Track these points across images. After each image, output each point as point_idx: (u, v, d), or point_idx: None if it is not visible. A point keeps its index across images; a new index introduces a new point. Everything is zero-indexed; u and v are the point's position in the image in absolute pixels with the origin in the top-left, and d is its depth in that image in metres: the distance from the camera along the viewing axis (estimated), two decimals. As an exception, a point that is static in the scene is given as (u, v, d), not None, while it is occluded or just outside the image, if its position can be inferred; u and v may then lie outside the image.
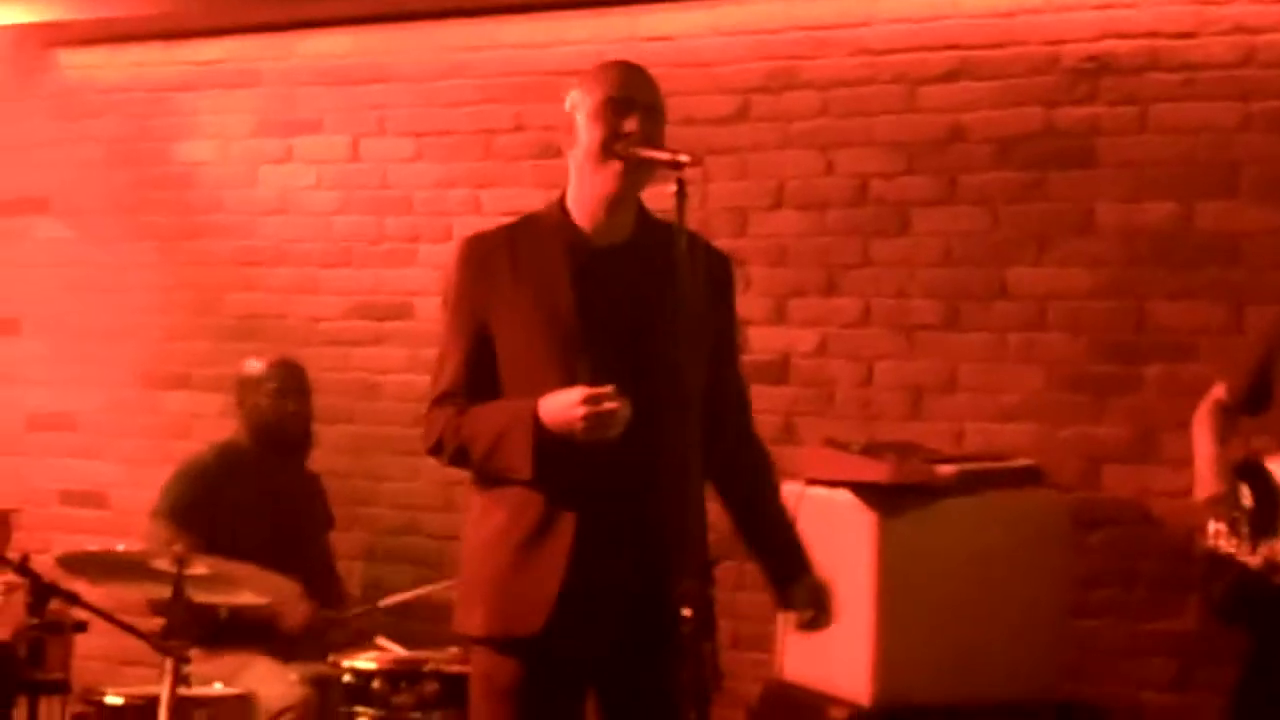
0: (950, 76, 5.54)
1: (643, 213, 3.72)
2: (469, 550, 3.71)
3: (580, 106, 3.66)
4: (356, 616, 5.72)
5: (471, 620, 3.67)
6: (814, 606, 3.78)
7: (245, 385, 5.84)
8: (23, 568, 4.18)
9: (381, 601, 5.67)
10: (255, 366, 5.85)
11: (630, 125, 3.60)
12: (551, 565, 3.57)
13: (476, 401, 3.64)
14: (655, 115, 3.66)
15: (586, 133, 3.63)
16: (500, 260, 3.67)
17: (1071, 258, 5.38)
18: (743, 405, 3.88)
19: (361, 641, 5.47)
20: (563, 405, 3.47)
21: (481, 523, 3.68)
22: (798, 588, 3.77)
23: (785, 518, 3.85)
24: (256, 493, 5.69)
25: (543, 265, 3.65)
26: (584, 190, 3.67)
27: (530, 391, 3.57)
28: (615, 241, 3.68)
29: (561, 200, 3.72)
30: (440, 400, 3.69)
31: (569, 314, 3.60)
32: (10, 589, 4.39)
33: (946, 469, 4.85)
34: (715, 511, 3.57)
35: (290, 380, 5.84)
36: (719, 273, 3.74)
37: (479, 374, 3.66)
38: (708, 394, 3.49)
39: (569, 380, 3.54)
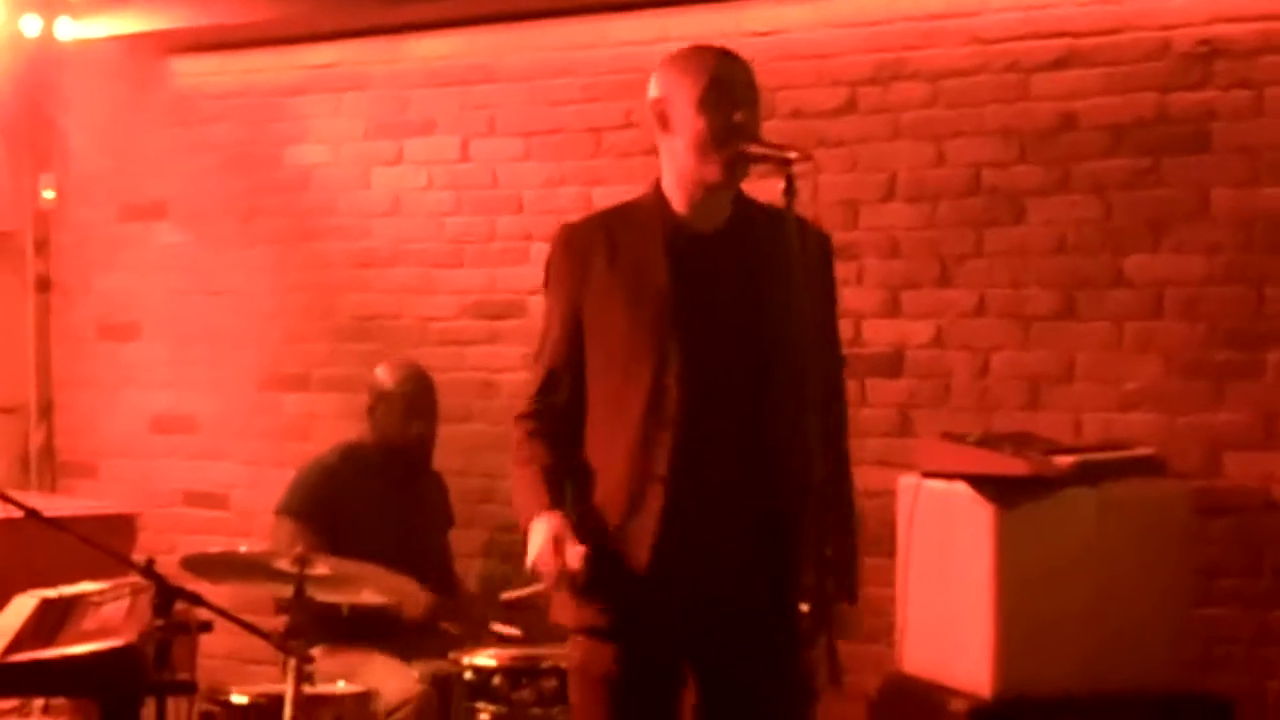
0: (1061, 64, 5.49)
1: (740, 196, 3.70)
2: None
3: (677, 94, 3.61)
4: (474, 607, 5.77)
5: (566, 611, 3.68)
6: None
7: (376, 394, 5.87)
8: (148, 570, 4.23)
9: (501, 595, 5.69)
10: (388, 378, 5.88)
11: (739, 117, 3.56)
12: (638, 557, 3.57)
13: (560, 402, 3.68)
14: (756, 104, 3.63)
15: (689, 122, 3.59)
16: (596, 247, 3.67)
17: (1188, 244, 5.32)
18: (838, 399, 3.80)
19: (479, 632, 5.51)
20: (534, 543, 3.55)
21: (575, 511, 3.68)
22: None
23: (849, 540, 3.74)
24: (379, 493, 5.74)
25: (640, 251, 3.64)
26: (682, 177, 3.65)
27: (622, 378, 3.60)
28: (713, 227, 3.67)
29: (657, 186, 3.71)
30: (523, 412, 3.75)
31: (663, 297, 3.59)
32: (136, 591, 4.44)
33: (1065, 460, 4.81)
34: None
35: (419, 401, 5.86)
36: (820, 252, 3.65)
37: (565, 372, 3.70)
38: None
39: (661, 365, 3.56)
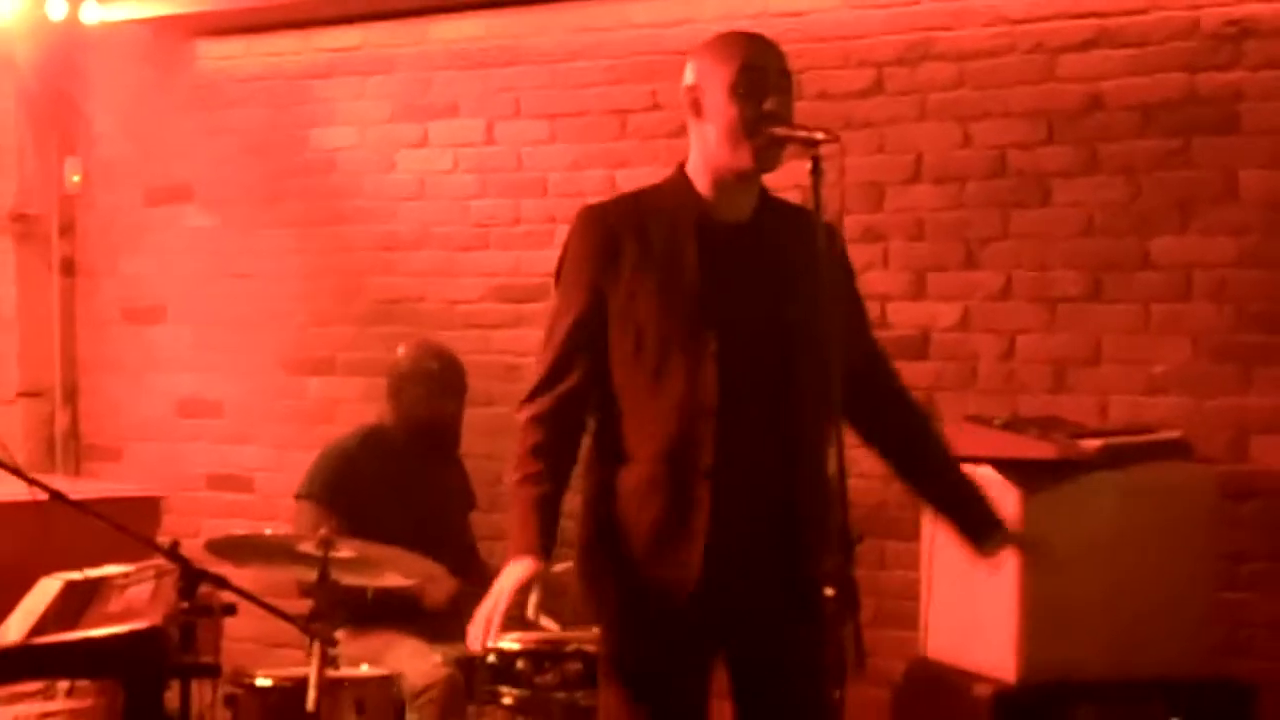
0: (1089, 45, 5.46)
1: (764, 190, 3.70)
2: (594, 532, 3.69)
3: (711, 81, 3.61)
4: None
5: (607, 605, 3.68)
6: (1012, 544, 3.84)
7: (402, 376, 5.83)
8: (173, 553, 4.24)
9: None
10: (407, 358, 5.85)
11: (770, 104, 3.56)
12: (689, 551, 3.56)
13: (570, 388, 3.62)
14: (789, 91, 3.62)
15: (721, 108, 3.58)
16: (627, 231, 3.64)
17: (1215, 226, 5.29)
18: (889, 369, 3.88)
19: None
20: (495, 589, 3.61)
21: (604, 502, 3.66)
22: (991, 537, 3.79)
23: (958, 470, 3.83)
24: (399, 476, 5.72)
25: (669, 239, 3.61)
26: (712, 164, 3.64)
27: (655, 365, 3.57)
28: (740, 218, 3.66)
29: (682, 172, 3.69)
30: (530, 399, 3.67)
31: (696, 287, 3.57)
32: (161, 574, 4.45)
33: (1091, 443, 4.79)
34: (856, 489, 3.54)
35: (449, 379, 5.84)
36: (836, 246, 3.66)
37: (582, 355, 3.64)
38: (855, 368, 3.50)
39: (696, 355, 3.55)
